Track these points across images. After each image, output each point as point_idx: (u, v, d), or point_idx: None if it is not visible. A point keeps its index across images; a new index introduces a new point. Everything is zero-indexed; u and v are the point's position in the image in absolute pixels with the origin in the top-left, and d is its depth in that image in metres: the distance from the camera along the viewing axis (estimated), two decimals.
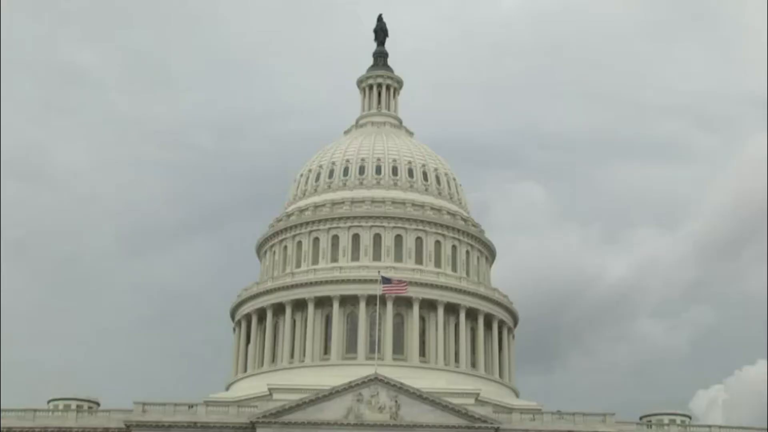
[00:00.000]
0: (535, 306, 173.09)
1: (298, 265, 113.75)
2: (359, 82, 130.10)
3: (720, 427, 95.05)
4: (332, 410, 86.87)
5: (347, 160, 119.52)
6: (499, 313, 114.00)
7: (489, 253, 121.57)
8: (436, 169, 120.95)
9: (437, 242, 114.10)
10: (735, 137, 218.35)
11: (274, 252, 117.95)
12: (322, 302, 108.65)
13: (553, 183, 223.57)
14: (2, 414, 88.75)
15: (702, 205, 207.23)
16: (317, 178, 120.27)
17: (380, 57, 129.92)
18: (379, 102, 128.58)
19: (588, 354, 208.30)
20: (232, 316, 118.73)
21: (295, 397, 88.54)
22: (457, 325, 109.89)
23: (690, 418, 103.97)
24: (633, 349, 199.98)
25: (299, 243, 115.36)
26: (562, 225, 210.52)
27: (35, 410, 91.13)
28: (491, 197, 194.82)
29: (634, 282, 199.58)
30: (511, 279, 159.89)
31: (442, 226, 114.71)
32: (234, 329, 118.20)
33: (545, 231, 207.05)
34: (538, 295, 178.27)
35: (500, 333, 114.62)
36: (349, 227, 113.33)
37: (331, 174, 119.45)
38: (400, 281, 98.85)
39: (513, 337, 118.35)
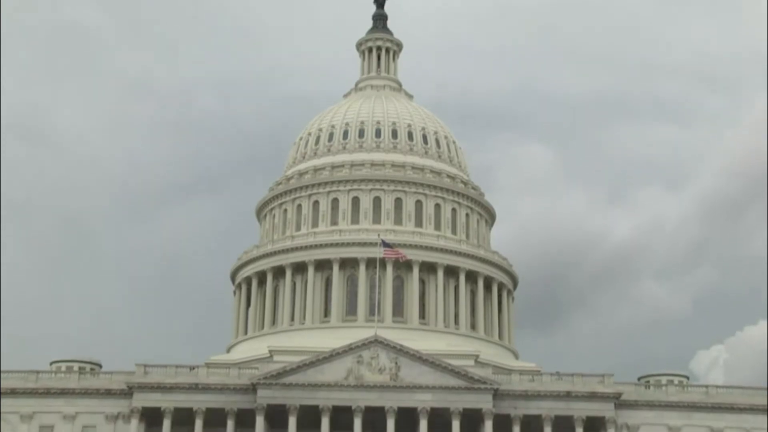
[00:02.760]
0: (539, 267, 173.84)
1: (298, 229, 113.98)
2: (358, 44, 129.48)
3: (717, 386, 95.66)
4: (332, 372, 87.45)
5: (347, 124, 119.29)
6: (499, 276, 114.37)
7: (489, 215, 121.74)
8: (435, 132, 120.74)
9: (437, 205, 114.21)
10: (741, 97, 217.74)
11: (274, 215, 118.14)
12: (322, 265, 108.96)
13: (557, 144, 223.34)
14: (6, 376, 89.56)
15: (707, 165, 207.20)
16: (317, 142, 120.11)
17: (380, 20, 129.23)
18: (378, 65, 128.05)
19: (590, 315, 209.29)
20: (233, 279, 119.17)
21: (295, 359, 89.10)
22: (456, 288, 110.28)
23: (688, 378, 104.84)
24: (635, 310, 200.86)
25: (299, 206, 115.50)
26: (566, 186, 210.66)
27: (38, 372, 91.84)
28: (495, 159, 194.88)
29: (638, 243, 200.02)
30: (515, 240, 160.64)
31: (441, 189, 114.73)
32: (234, 292, 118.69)
33: (550, 192, 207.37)
34: (541, 256, 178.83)
35: (500, 295, 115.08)
36: (349, 190, 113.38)
37: (330, 137, 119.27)
38: (398, 251, 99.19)
39: (512, 299, 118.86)
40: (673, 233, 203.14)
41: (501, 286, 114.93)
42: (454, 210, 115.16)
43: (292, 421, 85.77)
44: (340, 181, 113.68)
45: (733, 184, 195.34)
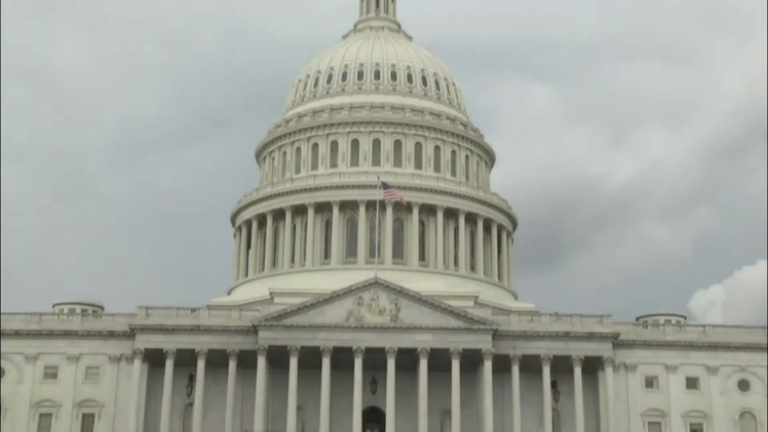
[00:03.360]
0: (540, 208, 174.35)
1: (298, 171, 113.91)
2: None
3: (714, 326, 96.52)
4: (333, 313, 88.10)
5: (345, 66, 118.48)
6: (498, 218, 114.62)
7: (488, 157, 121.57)
8: (435, 74, 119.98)
9: (436, 147, 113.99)
10: (743, 38, 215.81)
11: (273, 158, 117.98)
12: (322, 207, 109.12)
13: (559, 86, 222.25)
14: (9, 318, 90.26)
15: (708, 106, 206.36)
16: (315, 84, 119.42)
17: None
18: (377, 6, 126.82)
19: (589, 256, 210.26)
20: (233, 221, 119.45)
21: (296, 300, 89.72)
22: (456, 230, 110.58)
23: (686, 318, 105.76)
24: (634, 251, 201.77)
25: (298, 149, 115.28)
26: (568, 128, 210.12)
27: (41, 314, 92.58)
28: (497, 101, 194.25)
29: (639, 184, 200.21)
30: (516, 182, 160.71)
31: (441, 131, 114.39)
32: (234, 235, 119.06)
33: (551, 134, 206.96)
34: (542, 197, 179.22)
35: (499, 237, 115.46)
36: (348, 133, 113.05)
37: (329, 79, 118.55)
38: (398, 191, 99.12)
39: (512, 240, 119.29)
40: (674, 174, 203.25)
41: (500, 228, 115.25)
42: (453, 152, 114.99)
43: (293, 362, 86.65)
44: (339, 124, 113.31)
45: (735, 126, 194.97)
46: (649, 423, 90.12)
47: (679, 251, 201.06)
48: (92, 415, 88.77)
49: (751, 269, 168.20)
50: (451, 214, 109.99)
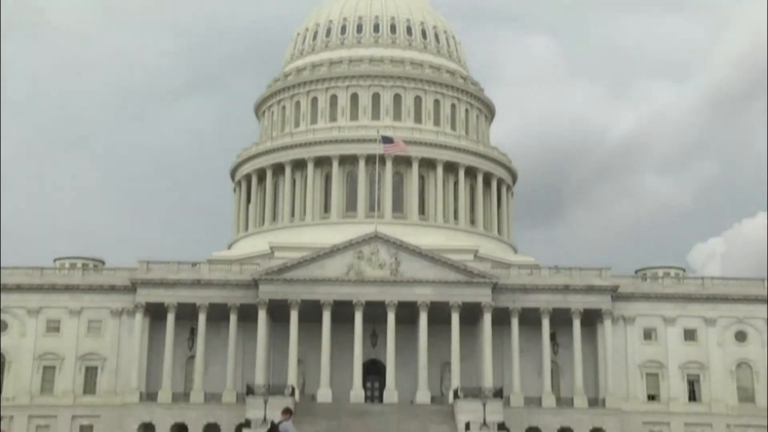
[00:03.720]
0: (540, 161, 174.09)
1: (297, 125, 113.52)
2: None
3: (713, 278, 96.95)
4: (333, 267, 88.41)
5: (344, 19, 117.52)
6: (498, 171, 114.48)
7: (488, 111, 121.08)
8: (435, 27, 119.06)
9: (436, 101, 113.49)
10: None
11: (273, 112, 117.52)
12: (322, 162, 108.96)
13: (561, 38, 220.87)
14: (11, 272, 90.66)
15: (711, 58, 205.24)
16: (314, 37, 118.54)
17: None
18: None
19: (589, 209, 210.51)
20: (232, 176, 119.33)
21: (296, 254, 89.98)
22: (456, 184, 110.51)
23: (684, 270, 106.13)
24: (635, 203, 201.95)
25: (297, 103, 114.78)
26: (569, 80, 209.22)
27: (42, 268, 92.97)
28: (498, 54, 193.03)
29: (640, 137, 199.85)
30: (517, 135, 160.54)
31: (441, 84, 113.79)
32: (234, 189, 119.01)
33: (552, 86, 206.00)
34: (542, 150, 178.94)
35: (499, 191, 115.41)
36: (348, 87, 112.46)
37: (328, 33, 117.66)
38: (399, 142, 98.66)
39: (512, 194, 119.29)
40: (675, 127, 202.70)
41: (500, 182, 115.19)
42: (453, 105, 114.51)
43: (294, 316, 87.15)
44: (338, 78, 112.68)
45: (737, 77, 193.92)
46: (647, 374, 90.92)
47: (679, 204, 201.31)
48: (95, 368, 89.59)
49: (751, 222, 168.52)
50: (450, 168, 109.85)
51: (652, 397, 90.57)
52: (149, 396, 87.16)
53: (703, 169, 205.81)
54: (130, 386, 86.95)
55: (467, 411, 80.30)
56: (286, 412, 19.41)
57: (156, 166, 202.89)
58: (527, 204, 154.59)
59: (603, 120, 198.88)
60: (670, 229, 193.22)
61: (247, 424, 79.00)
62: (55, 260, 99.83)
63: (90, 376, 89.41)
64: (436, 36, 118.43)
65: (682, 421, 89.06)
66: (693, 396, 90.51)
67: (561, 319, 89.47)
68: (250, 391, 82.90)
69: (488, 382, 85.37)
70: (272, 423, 19.31)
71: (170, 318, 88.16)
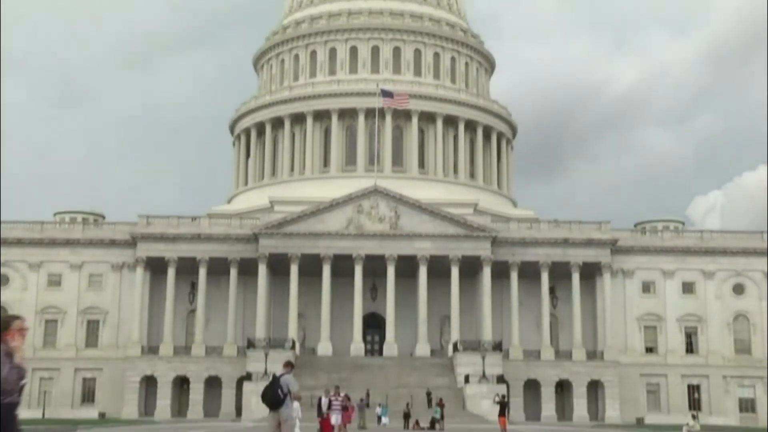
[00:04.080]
0: (540, 115, 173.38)
1: (296, 79, 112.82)
2: None
3: (712, 231, 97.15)
4: (333, 221, 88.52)
5: None
6: (498, 125, 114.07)
7: (488, 64, 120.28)
8: None
9: (436, 54, 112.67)
10: None
11: (272, 66, 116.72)
12: (321, 116, 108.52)
13: None
14: (12, 226, 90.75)
15: (713, 12, 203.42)
16: None
17: None
18: None
19: (590, 163, 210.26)
20: (231, 130, 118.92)
21: (296, 209, 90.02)
22: (455, 137, 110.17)
23: (684, 224, 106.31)
24: (635, 157, 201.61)
25: (296, 56, 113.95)
26: (570, 33, 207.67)
27: (42, 223, 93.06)
28: (498, 7, 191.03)
29: (642, 90, 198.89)
30: (517, 89, 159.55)
31: (440, 37, 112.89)
32: (233, 143, 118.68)
33: (554, 39, 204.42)
34: (543, 104, 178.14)
35: (499, 144, 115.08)
36: (347, 40, 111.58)
37: None
38: (401, 94, 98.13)
39: (512, 148, 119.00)
40: (677, 80, 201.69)
41: (500, 135, 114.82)
42: (453, 59, 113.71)
43: (294, 270, 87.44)
44: (337, 31, 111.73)
45: (738, 31, 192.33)
46: (645, 327, 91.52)
47: (680, 157, 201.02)
48: (97, 322, 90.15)
49: (752, 175, 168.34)
50: (450, 121, 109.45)
51: (649, 350, 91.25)
52: (151, 349, 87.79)
53: (704, 122, 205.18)
54: (132, 340, 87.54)
55: (467, 364, 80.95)
56: (288, 365, 19.54)
57: (155, 120, 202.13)
58: (527, 158, 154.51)
59: (604, 73, 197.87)
60: (670, 183, 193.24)
61: (248, 377, 79.67)
62: (54, 214, 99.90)
63: (92, 329, 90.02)
64: None
65: (679, 373, 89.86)
66: (690, 348, 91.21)
67: (560, 272, 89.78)
68: (250, 344, 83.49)
69: (487, 335, 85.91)
70: (273, 376, 19.45)
71: (171, 272, 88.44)
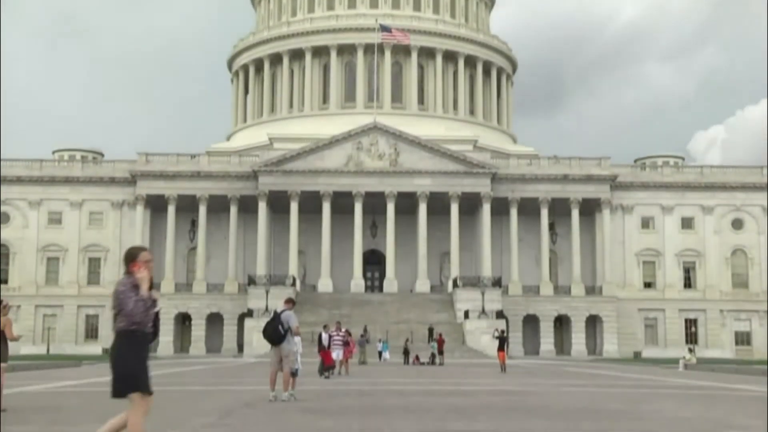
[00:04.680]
0: (541, 50, 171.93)
1: (294, 14, 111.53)
2: None
3: (712, 166, 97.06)
4: (332, 158, 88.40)
5: None
6: (498, 60, 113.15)
7: None
8: None
9: None
10: None
11: (269, 0, 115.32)
12: (320, 52, 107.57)
13: None
14: (10, 164, 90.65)
15: None
16: None
17: None
18: None
19: (590, 98, 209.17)
20: (229, 67, 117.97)
21: (295, 146, 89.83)
22: (455, 73, 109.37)
23: (684, 159, 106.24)
24: (637, 92, 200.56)
25: None
26: None
27: (42, 160, 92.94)
28: None
29: (644, 25, 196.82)
30: (518, 23, 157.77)
31: None
32: (232, 80, 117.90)
33: None
34: (544, 39, 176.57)
35: (499, 80, 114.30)
36: None
37: None
38: (401, 30, 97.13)
39: (512, 84, 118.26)
40: (680, 14, 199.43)
41: (500, 71, 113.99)
42: None
43: (294, 207, 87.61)
44: None
45: None
46: (644, 262, 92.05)
47: (682, 92, 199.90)
48: (98, 260, 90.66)
49: (754, 109, 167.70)
50: (450, 57, 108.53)
51: (648, 285, 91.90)
52: (152, 287, 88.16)
53: (707, 56, 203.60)
54: None
55: (466, 300, 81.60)
56: (289, 301, 19.74)
57: (153, 57, 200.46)
58: (527, 94, 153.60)
59: (605, 8, 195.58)
60: (671, 118, 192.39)
61: (249, 313, 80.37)
62: (53, 152, 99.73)
63: (93, 267, 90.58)
64: None
65: (676, 308, 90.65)
66: (688, 283, 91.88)
67: (560, 208, 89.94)
68: (251, 281, 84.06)
69: (487, 271, 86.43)
70: (275, 312, 19.67)
71: (171, 210, 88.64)
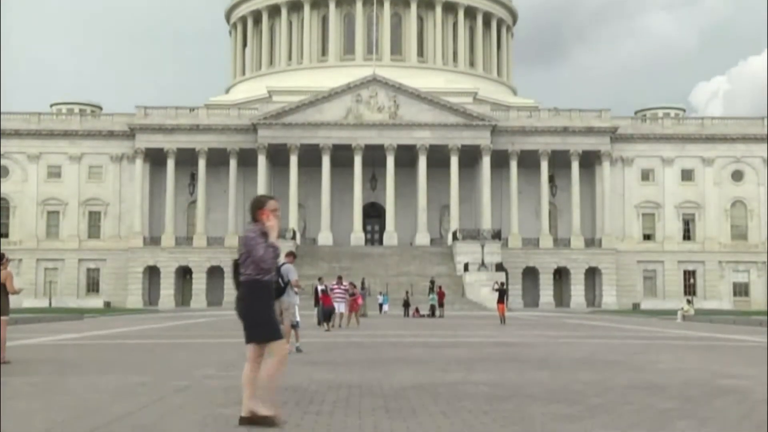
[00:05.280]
0: (543, 1, 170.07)
1: None
2: None
3: (713, 118, 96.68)
4: (332, 111, 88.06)
5: None
6: (498, 11, 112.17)
7: None
8: None
9: None
10: None
11: None
12: (318, 3, 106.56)
13: None
14: (8, 117, 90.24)
15: None
16: None
17: None
18: None
19: (592, 49, 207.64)
20: (227, 18, 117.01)
21: (294, 98, 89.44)
22: (455, 25, 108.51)
23: (684, 111, 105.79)
24: (639, 43, 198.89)
25: None
26: None
27: (40, 114, 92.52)
28: None
29: None
30: None
31: None
32: (230, 32, 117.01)
33: None
34: None
35: (499, 31, 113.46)
36: None
37: None
38: None
39: (512, 35, 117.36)
40: None
41: (500, 22, 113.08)
42: None
43: (293, 160, 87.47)
44: None
45: None
46: (643, 214, 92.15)
47: (684, 42, 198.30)
48: (98, 213, 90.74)
49: (757, 59, 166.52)
50: (450, 8, 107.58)
51: (647, 237, 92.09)
52: (152, 240, 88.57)
53: (710, 5, 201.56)
54: (134, 231, 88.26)
55: (466, 252, 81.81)
56: (290, 255, 19.72)
57: (150, 9, 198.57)
58: (528, 45, 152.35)
59: None
60: (673, 69, 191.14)
61: None
62: (51, 105, 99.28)
63: (93, 221, 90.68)
64: None
65: (675, 260, 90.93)
66: (687, 235, 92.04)
67: (560, 161, 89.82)
68: None
69: (487, 224, 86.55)
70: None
71: (170, 164, 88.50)
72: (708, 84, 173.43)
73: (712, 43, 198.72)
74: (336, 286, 35.24)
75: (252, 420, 8.11)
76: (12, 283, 16.40)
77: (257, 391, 8.20)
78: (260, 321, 8.21)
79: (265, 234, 8.22)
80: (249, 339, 8.27)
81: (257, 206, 8.37)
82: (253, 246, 8.18)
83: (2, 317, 16.23)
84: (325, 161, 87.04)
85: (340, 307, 34.61)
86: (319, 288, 34.09)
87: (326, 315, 32.90)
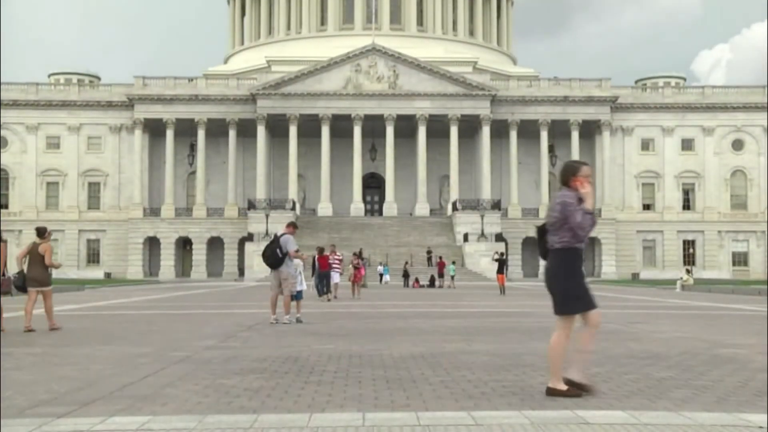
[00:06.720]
0: None
1: None
2: None
3: (714, 87, 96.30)
4: (331, 81, 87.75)
5: None
6: None
7: None
8: None
9: None
10: None
11: None
12: None
13: None
14: (6, 87, 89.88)
15: None
16: None
17: None
18: None
19: (593, 18, 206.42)
20: None
21: (293, 68, 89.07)
22: None
23: (685, 79, 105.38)
24: (641, 11, 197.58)
25: None
26: None
27: (38, 84, 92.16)
28: None
29: None
30: None
31: None
32: (228, 1, 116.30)
33: None
34: None
35: (499, 0, 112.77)
36: None
37: None
38: None
39: (512, 4, 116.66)
40: None
41: None
42: None
43: (293, 130, 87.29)
44: None
45: None
46: (643, 184, 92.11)
47: (687, 10, 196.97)
48: (98, 184, 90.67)
49: (760, 27, 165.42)
50: None
51: (647, 207, 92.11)
52: (152, 211, 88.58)
53: None
54: (133, 202, 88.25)
55: (466, 223, 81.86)
56: (290, 225, 19.69)
57: None
58: (528, 14, 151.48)
59: None
60: (675, 38, 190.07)
61: (250, 237, 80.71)
62: (49, 75, 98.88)
63: (93, 192, 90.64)
64: None
65: (675, 229, 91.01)
66: (687, 205, 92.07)
67: (559, 130, 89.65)
68: (251, 205, 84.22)
69: (486, 194, 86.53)
70: (275, 236, 19.65)
71: (169, 134, 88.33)
72: (711, 52, 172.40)
73: (716, 11, 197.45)
74: (332, 256, 35.04)
75: (568, 389, 7.84)
76: (50, 256, 16.74)
77: (572, 360, 8.02)
78: (578, 293, 8.00)
79: (580, 200, 7.98)
80: (564, 311, 8.06)
81: (571, 172, 8.08)
82: (571, 212, 7.89)
83: (46, 288, 16.69)
84: (325, 132, 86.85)
85: (335, 277, 34.50)
86: (316, 257, 34.21)
87: (321, 279, 32.97)
